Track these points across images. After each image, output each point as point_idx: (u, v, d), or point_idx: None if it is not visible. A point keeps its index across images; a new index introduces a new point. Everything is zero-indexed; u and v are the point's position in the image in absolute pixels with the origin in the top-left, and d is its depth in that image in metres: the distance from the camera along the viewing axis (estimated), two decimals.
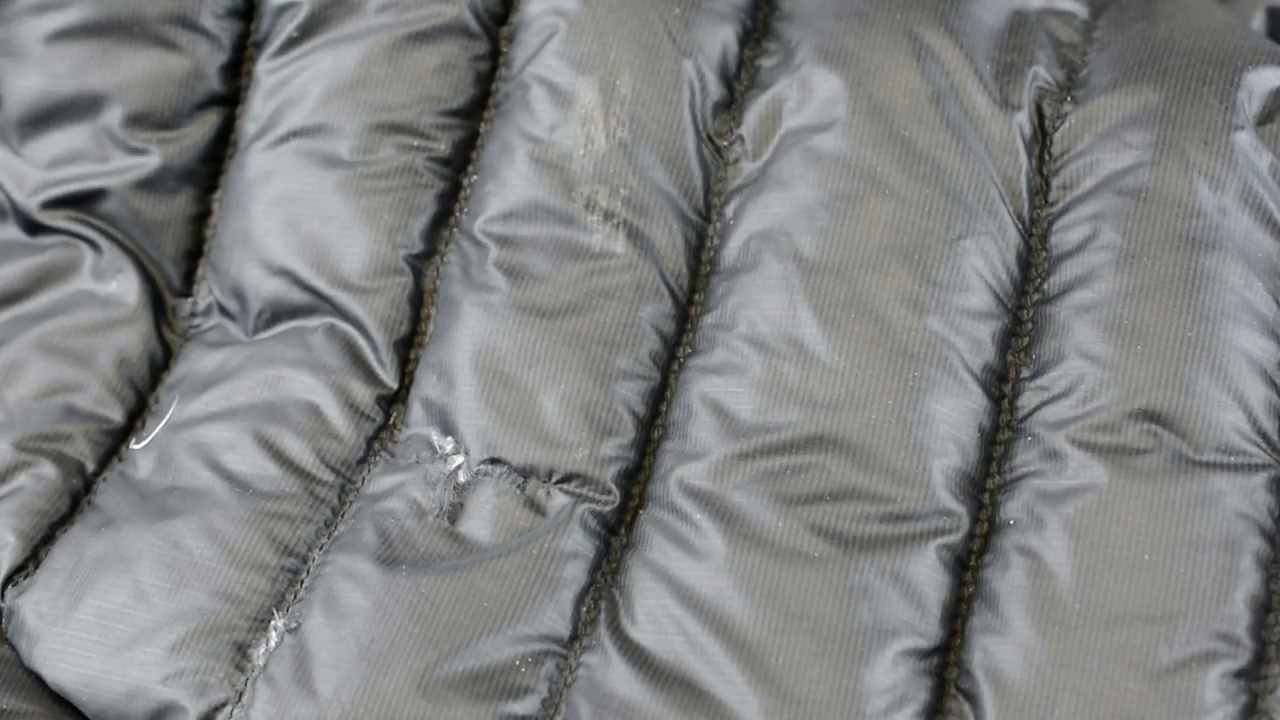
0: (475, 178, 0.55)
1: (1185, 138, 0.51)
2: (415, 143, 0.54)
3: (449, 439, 0.51)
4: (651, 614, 0.47)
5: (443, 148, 0.54)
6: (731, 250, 0.53)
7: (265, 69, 0.56)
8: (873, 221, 0.51)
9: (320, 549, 0.49)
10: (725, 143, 0.54)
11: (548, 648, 0.47)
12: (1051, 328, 0.50)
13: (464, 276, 0.53)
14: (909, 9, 0.54)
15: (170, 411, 0.53)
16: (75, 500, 0.52)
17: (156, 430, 0.53)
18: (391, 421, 0.52)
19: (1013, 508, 0.48)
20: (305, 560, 0.49)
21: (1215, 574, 0.46)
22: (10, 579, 0.50)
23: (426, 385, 0.52)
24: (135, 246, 0.56)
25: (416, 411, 0.52)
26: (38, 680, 0.49)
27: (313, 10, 0.55)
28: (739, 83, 0.54)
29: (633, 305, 0.52)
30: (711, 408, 0.50)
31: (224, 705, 0.47)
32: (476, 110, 0.55)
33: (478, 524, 0.50)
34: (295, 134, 0.55)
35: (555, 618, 0.48)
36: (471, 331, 0.52)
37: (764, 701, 0.46)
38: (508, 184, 0.53)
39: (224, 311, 0.55)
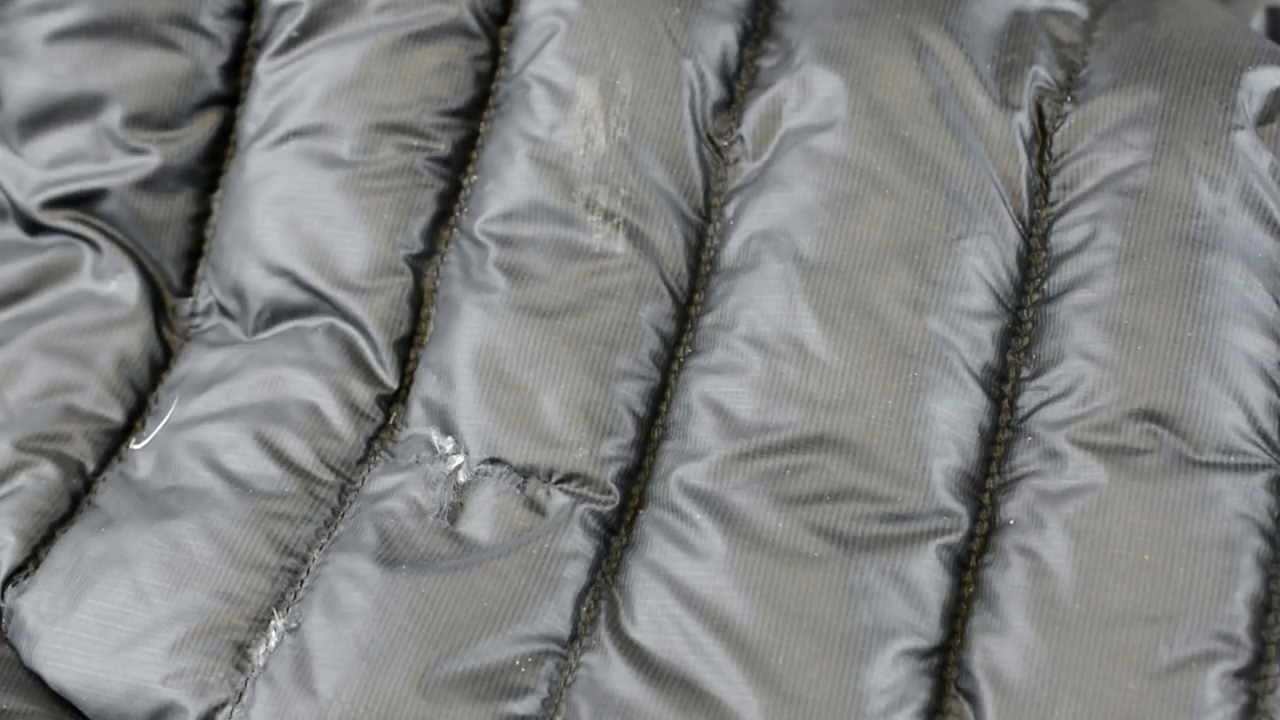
0: (475, 178, 0.55)
1: (1185, 138, 0.51)
2: (415, 143, 0.54)
3: (449, 439, 0.51)
4: (651, 614, 0.47)
5: (443, 148, 0.54)
6: (731, 250, 0.52)
7: (265, 69, 0.56)
8: (873, 221, 0.51)
9: (320, 549, 0.49)
10: (725, 143, 0.54)
11: (548, 648, 0.47)
12: (1051, 328, 0.50)
13: (464, 276, 0.53)
14: (909, 9, 0.54)
15: (170, 411, 0.53)
16: (75, 500, 0.52)
17: (156, 430, 0.53)
18: (391, 421, 0.52)
19: (1013, 508, 0.48)
20: (305, 560, 0.49)
21: (1215, 574, 0.46)
22: (10, 579, 0.50)
23: (426, 385, 0.52)
24: (135, 246, 0.56)
25: (416, 411, 0.52)
26: (38, 680, 0.49)
27: (313, 10, 0.55)
28: (739, 83, 0.54)
29: (633, 305, 0.52)
30: (711, 408, 0.50)
31: (224, 705, 0.47)
32: (476, 110, 0.55)
33: (478, 524, 0.50)
34: (295, 134, 0.55)
35: (555, 618, 0.48)
36: (471, 331, 0.52)
37: (764, 701, 0.46)
38: (508, 184, 0.53)
39: (224, 311, 0.55)
